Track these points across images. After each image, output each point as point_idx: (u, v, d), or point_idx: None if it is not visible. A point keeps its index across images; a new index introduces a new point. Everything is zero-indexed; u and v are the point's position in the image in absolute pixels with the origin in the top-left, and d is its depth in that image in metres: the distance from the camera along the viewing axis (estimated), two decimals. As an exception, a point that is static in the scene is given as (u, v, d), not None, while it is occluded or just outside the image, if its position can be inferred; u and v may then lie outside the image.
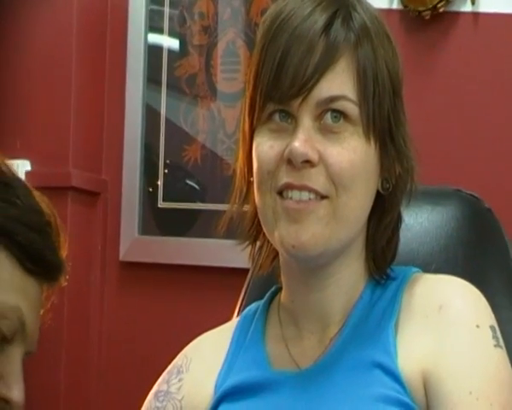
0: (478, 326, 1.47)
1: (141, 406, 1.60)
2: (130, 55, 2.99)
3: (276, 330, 1.57)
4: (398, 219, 1.54)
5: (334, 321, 1.52)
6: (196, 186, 2.92)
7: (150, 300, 2.95)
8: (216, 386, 1.55)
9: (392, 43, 1.50)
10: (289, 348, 1.54)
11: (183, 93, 2.94)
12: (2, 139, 2.74)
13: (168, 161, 2.96)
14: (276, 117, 1.45)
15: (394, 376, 1.45)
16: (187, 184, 2.94)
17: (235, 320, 1.68)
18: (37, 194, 1.53)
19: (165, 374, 1.62)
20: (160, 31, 2.99)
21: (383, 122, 1.48)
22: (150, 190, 2.96)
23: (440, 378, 1.43)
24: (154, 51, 2.98)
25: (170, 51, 2.97)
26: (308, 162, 1.42)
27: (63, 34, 2.98)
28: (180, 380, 1.61)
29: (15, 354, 1.48)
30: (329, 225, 1.45)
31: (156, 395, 1.61)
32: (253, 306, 1.63)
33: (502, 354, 1.46)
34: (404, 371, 1.45)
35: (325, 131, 1.44)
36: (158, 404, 1.60)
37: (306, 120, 1.44)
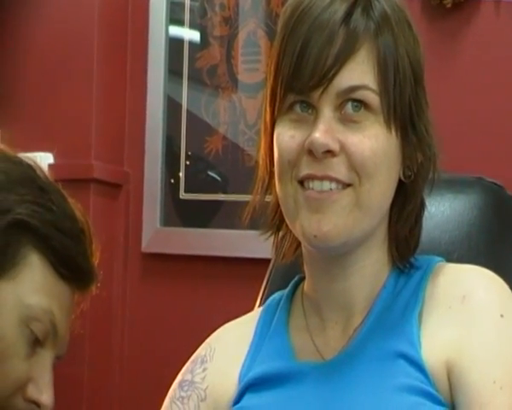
0: (502, 316, 1.47)
1: (164, 396, 1.61)
2: (151, 48, 2.99)
3: (300, 320, 1.58)
4: (421, 207, 1.55)
5: (358, 311, 1.52)
6: (218, 177, 2.92)
7: (172, 290, 2.96)
8: (240, 376, 1.56)
9: (413, 31, 1.50)
10: (313, 339, 1.54)
11: (204, 84, 2.94)
12: (24, 132, 2.73)
13: (190, 153, 2.95)
14: (297, 108, 1.46)
15: (418, 366, 1.45)
16: (208, 175, 2.94)
17: (258, 310, 1.69)
18: (71, 201, 1.58)
19: (188, 364, 1.63)
20: (180, 23, 2.99)
21: (404, 111, 1.48)
22: (172, 181, 2.97)
23: (464, 368, 1.44)
24: (175, 43, 2.98)
25: (191, 43, 2.97)
26: (329, 152, 1.43)
27: (85, 26, 2.98)
28: (204, 370, 1.61)
29: (47, 358, 1.54)
30: (352, 214, 1.46)
31: (180, 385, 1.62)
32: (277, 295, 1.64)
33: None
34: (427, 361, 1.45)
35: (346, 121, 1.45)
36: (182, 393, 1.61)
37: (327, 111, 1.44)
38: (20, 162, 1.60)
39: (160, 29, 2.99)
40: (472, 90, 2.64)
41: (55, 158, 2.76)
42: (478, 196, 1.84)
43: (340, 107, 1.44)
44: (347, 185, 1.44)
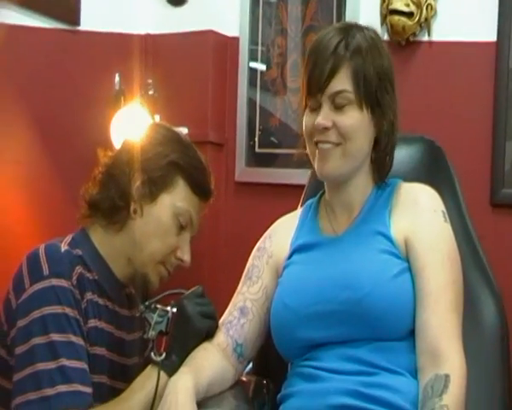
0: (435, 211, 1.52)
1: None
2: (240, 73, 2.90)
3: (323, 212, 1.62)
4: (392, 151, 1.57)
5: (355, 208, 1.56)
6: (276, 141, 2.85)
7: (252, 202, 2.88)
8: (290, 244, 1.62)
9: (380, 52, 1.51)
10: (331, 223, 1.59)
11: (268, 90, 2.88)
12: (173, 116, 2.60)
13: (261, 127, 2.89)
14: (311, 103, 1.51)
15: (389, 239, 1.49)
16: (271, 139, 2.87)
17: (299, 209, 1.74)
18: (199, 151, 1.65)
19: (261, 239, 1.69)
20: (256, 59, 2.89)
21: (371, 98, 1.49)
22: (251, 143, 2.90)
23: (414, 241, 1.48)
24: (253, 70, 2.90)
25: (261, 70, 2.88)
26: (326, 128, 1.48)
27: (204, 58, 2.87)
28: (271, 241, 1.66)
29: (187, 236, 1.61)
30: (341, 160, 1.50)
31: (258, 249, 1.67)
32: (310, 200, 1.70)
33: (448, 226, 1.52)
34: (394, 236, 1.49)
35: (336, 109, 1.48)
36: (258, 253, 1.65)
37: (325, 105, 1.48)
38: (172, 130, 1.67)
39: (245, 63, 2.88)
40: (415, 91, 2.54)
41: (188, 130, 2.66)
42: (420, 146, 1.84)
43: (333, 101, 1.47)
44: (338, 144, 1.49)
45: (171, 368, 1.47)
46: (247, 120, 2.93)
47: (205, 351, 1.53)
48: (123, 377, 1.60)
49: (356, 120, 1.48)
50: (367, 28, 1.54)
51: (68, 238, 1.59)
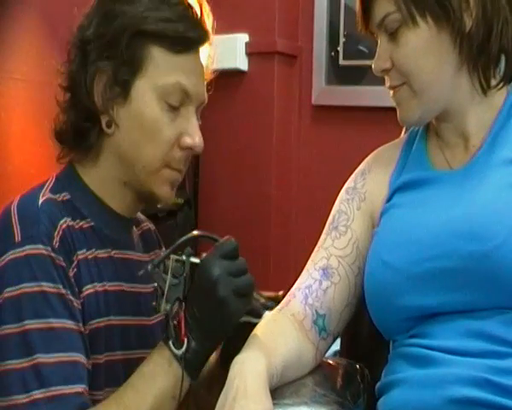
0: None
1: (326, 207, 1.61)
2: None
3: (434, 140, 1.55)
4: (501, 44, 1.45)
5: (473, 135, 1.49)
6: (366, 50, 2.76)
7: (334, 131, 2.85)
8: (390, 183, 1.55)
9: None
10: (444, 154, 1.53)
11: None
12: (227, 18, 2.44)
13: (346, 32, 2.82)
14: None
15: None
16: (359, 48, 2.79)
17: (403, 136, 1.64)
18: None
19: (352, 176, 1.61)
20: None
21: (426, 5, 1.42)
22: (333, 53, 2.83)
23: None
24: None
25: None
26: (385, 70, 1.47)
27: None
28: (364, 179, 1.60)
29: (189, 112, 1.52)
30: (414, 100, 1.46)
31: (346, 191, 1.60)
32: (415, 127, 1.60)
33: None
34: None
35: (392, 39, 1.46)
36: (347, 196, 1.60)
37: (381, 38, 1.47)
38: None
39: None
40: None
41: (249, 37, 2.67)
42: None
43: (385, 30, 1.47)
44: (403, 83, 1.46)
45: (191, 365, 1.41)
46: (328, 23, 2.83)
47: (275, 324, 1.47)
48: (142, 343, 1.55)
49: (411, 46, 1.44)
50: None
51: (51, 181, 1.53)
